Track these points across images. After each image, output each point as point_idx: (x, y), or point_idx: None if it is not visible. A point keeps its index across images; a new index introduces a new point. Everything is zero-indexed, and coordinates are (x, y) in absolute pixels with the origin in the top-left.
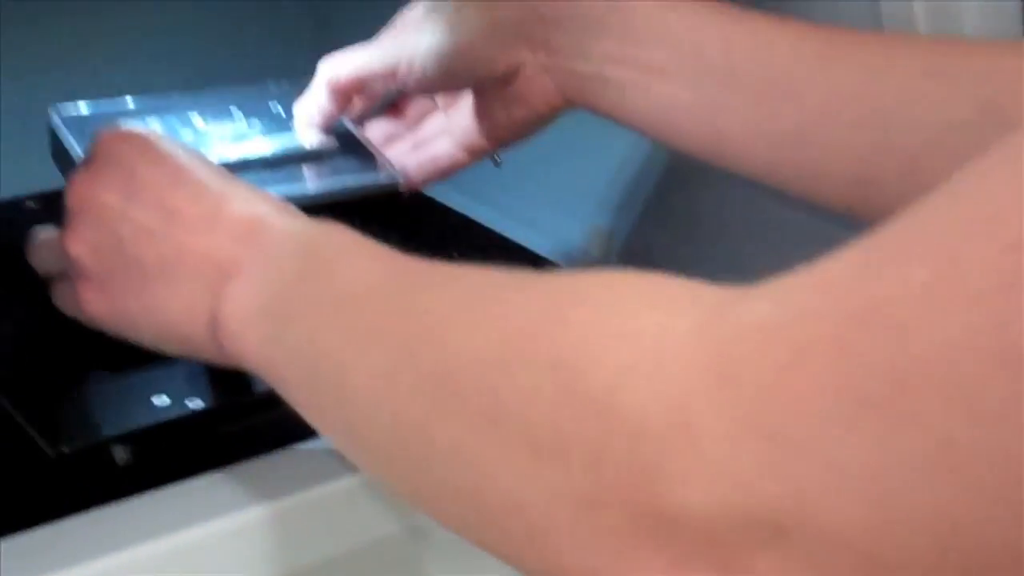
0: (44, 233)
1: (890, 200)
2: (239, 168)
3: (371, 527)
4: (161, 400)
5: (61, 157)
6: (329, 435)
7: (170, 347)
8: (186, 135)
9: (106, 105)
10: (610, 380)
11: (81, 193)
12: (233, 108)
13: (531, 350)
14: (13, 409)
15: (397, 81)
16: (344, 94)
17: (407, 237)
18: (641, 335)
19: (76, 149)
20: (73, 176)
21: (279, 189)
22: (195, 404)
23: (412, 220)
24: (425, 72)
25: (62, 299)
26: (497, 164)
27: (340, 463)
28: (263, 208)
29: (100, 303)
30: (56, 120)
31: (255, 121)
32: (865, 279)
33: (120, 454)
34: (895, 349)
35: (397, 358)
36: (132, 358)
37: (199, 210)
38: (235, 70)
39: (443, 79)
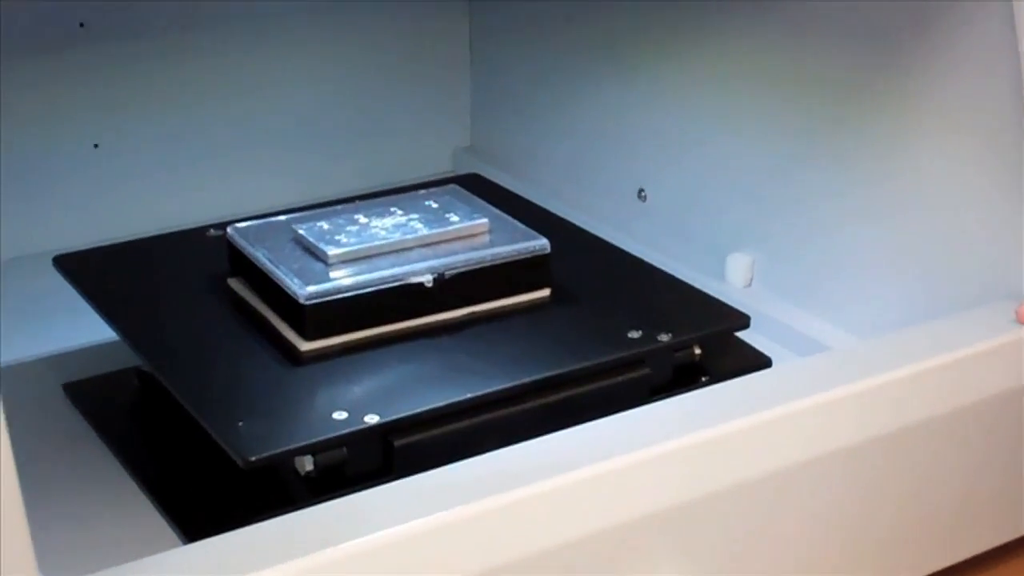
0: None
1: None
2: (400, 249)
3: (524, 543)
4: (340, 415)
5: (239, 263)
6: None
7: None
8: (352, 228)
9: (272, 217)
10: None
11: None
12: (393, 208)
13: None
14: (204, 422)
15: None
16: None
17: (604, 285)
18: None
19: (256, 254)
20: None
21: (440, 262)
22: (372, 419)
23: (604, 266)
24: None
25: None
26: (643, 199)
27: (496, 480)
28: None
29: None
30: (232, 233)
31: (414, 215)
32: None
33: (303, 464)
34: None
35: None
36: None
37: None
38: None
39: None
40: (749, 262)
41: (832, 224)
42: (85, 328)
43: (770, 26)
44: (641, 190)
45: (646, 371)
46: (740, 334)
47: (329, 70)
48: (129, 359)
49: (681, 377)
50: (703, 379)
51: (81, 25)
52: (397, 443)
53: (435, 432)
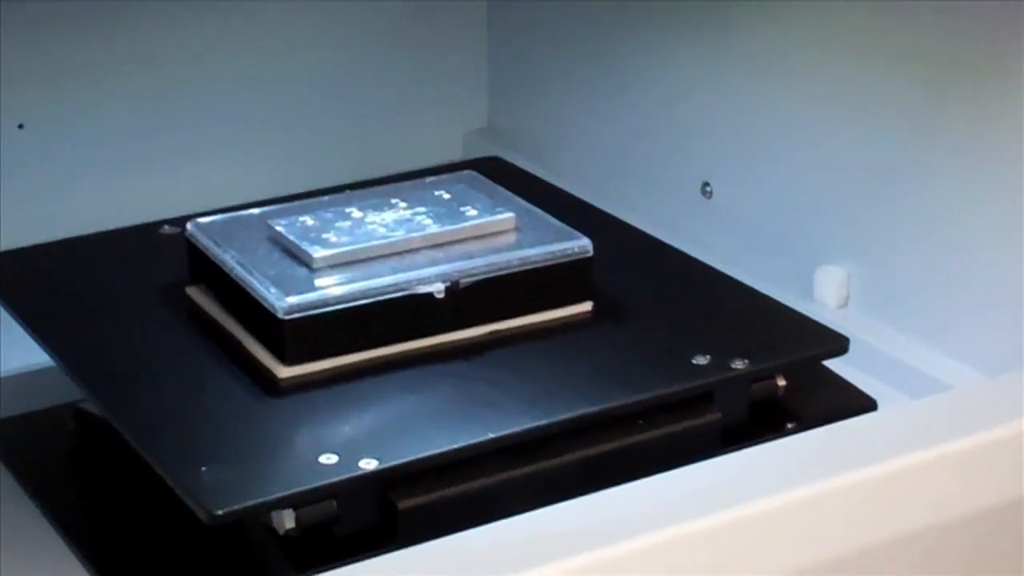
0: None
1: None
2: (403, 251)
3: None
4: (328, 459)
5: (201, 268)
6: None
7: None
8: (343, 225)
9: (243, 211)
10: None
11: None
12: (395, 199)
13: None
14: (159, 467)
15: None
16: None
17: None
18: None
19: (223, 257)
20: None
21: (453, 267)
22: (368, 464)
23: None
24: None
25: None
26: (707, 195)
27: (526, 551)
28: None
29: None
30: (193, 231)
31: (421, 208)
32: None
33: (282, 521)
34: None
35: None
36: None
37: None
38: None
39: None
40: (844, 277)
41: (954, 231)
42: (7, 351)
43: None
44: (706, 184)
45: (716, 415)
46: (836, 366)
47: (314, 34)
48: (64, 392)
49: (760, 419)
50: (789, 425)
51: None
52: (402, 505)
53: (449, 492)
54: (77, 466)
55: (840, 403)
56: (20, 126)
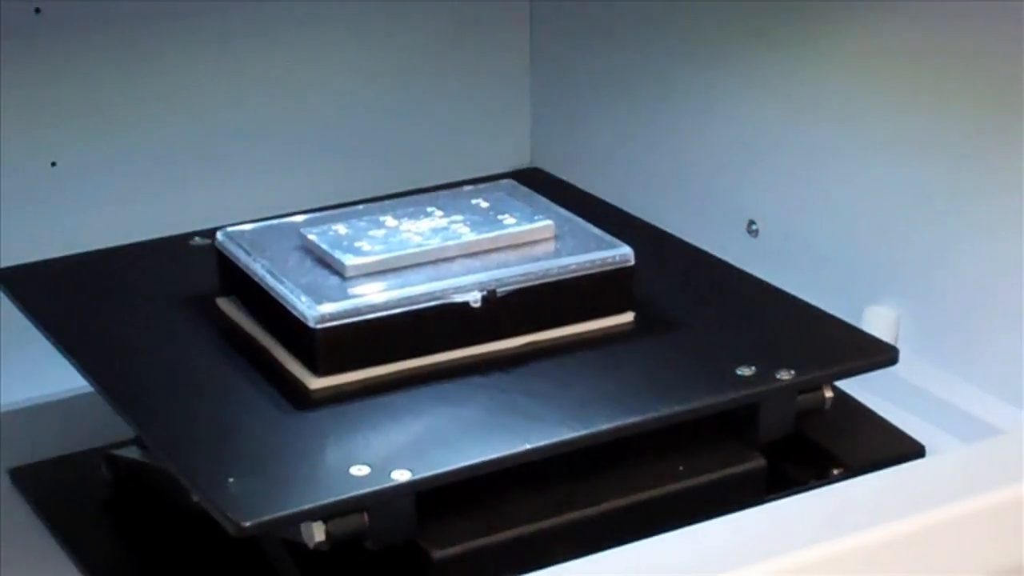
0: None
1: None
2: (439, 259)
3: None
4: (360, 470)
5: (232, 278)
6: None
7: None
8: (376, 233)
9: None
10: None
11: None
12: (431, 208)
13: None
14: (189, 480)
15: None
16: None
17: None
18: None
19: (253, 267)
20: None
21: (490, 276)
22: (401, 476)
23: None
24: None
25: None
26: (753, 234)
27: None
28: None
29: None
30: (223, 241)
31: (458, 217)
32: None
33: (311, 532)
34: None
35: None
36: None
37: None
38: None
39: None
40: (893, 318)
41: (1006, 272)
42: (36, 377)
43: (928, 10)
44: (751, 223)
45: (761, 463)
46: (884, 408)
47: (356, 71)
48: (96, 428)
49: (806, 465)
50: (835, 471)
51: (37, 11)
52: (436, 555)
53: (485, 541)
54: (110, 513)
55: (887, 448)
56: (53, 164)
